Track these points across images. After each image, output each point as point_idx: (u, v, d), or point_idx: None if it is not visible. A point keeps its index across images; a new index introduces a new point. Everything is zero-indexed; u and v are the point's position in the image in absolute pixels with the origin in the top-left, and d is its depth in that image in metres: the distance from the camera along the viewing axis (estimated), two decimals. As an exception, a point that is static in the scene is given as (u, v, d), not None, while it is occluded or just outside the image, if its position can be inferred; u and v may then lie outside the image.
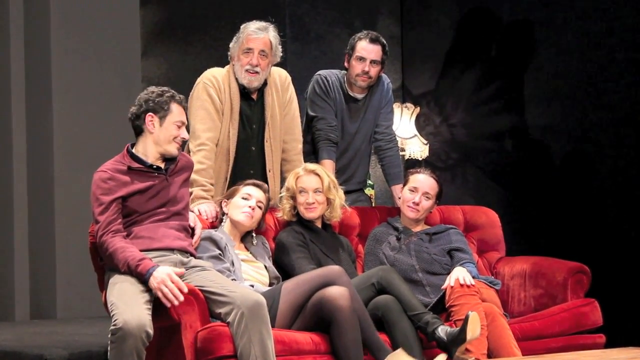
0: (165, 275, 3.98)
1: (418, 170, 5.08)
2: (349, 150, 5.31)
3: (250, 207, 4.55)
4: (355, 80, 5.19)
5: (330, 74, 5.25)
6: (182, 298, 3.97)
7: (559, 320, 4.81)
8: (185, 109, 4.34)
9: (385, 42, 5.21)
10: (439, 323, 4.36)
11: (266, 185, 4.71)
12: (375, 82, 5.27)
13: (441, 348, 4.33)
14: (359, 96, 5.26)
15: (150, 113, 4.23)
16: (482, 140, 6.67)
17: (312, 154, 5.23)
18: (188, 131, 4.50)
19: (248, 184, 4.63)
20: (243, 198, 4.58)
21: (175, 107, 4.26)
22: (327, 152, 5.17)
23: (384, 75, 5.34)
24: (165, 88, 4.32)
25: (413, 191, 4.98)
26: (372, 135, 5.38)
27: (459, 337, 4.25)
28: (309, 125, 5.25)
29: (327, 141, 5.18)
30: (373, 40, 5.16)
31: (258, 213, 4.60)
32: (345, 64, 5.23)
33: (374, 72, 5.18)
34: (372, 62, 5.16)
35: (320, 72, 5.29)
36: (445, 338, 4.30)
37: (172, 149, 4.27)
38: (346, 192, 5.17)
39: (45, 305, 7.83)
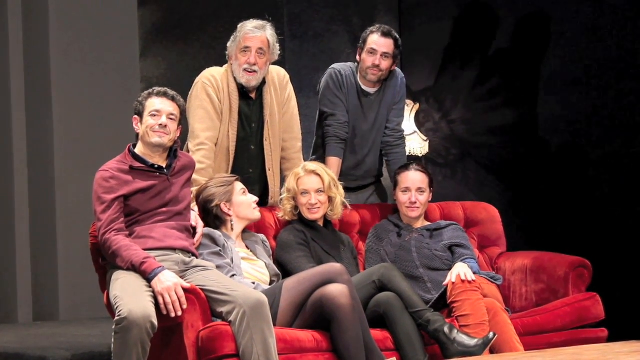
0: (172, 284, 3.99)
1: (403, 169, 5.06)
2: (364, 146, 5.29)
3: (256, 202, 4.60)
4: (366, 73, 5.18)
5: (345, 68, 5.25)
6: (180, 313, 3.98)
7: (560, 314, 4.81)
8: (173, 99, 4.31)
9: (397, 36, 5.21)
10: (441, 321, 4.36)
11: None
12: (389, 76, 5.26)
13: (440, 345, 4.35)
14: (372, 90, 5.25)
15: (135, 116, 4.32)
16: (481, 136, 6.67)
17: (322, 147, 5.24)
18: (178, 126, 4.44)
19: (238, 180, 4.63)
20: (245, 193, 4.60)
21: (150, 101, 4.29)
22: (334, 150, 5.17)
23: (397, 70, 5.33)
24: (154, 88, 4.35)
25: (406, 191, 4.97)
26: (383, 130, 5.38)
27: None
28: (320, 119, 5.26)
29: (335, 138, 5.17)
30: (385, 34, 5.15)
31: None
32: (357, 58, 5.22)
33: (384, 65, 5.16)
34: (383, 55, 5.14)
35: (335, 65, 5.29)
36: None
37: (154, 138, 4.26)
38: (362, 187, 5.22)
39: (47, 306, 7.83)
